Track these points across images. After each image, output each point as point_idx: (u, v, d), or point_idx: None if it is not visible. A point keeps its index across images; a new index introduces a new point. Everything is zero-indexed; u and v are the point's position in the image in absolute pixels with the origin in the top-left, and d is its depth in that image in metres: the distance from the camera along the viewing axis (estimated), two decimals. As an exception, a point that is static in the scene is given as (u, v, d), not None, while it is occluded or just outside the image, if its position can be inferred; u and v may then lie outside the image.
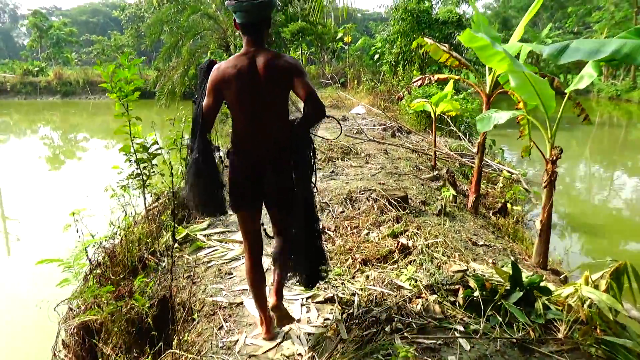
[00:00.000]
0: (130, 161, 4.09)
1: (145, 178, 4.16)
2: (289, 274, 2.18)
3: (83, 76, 28.85)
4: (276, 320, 2.27)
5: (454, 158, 7.41)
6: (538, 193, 6.32)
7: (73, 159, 13.36)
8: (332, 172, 5.49)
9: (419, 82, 5.11)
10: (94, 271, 3.27)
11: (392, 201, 4.13)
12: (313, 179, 2.07)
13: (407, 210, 4.12)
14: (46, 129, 19.85)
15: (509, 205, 5.44)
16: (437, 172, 5.69)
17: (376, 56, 15.89)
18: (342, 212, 4.06)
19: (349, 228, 3.73)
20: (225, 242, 3.73)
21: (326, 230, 3.68)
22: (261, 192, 2.09)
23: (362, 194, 4.46)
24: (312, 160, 2.07)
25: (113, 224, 3.89)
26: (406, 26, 14.68)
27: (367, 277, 2.84)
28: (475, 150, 4.80)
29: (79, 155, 14.05)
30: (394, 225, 3.67)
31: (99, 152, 14.13)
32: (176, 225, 3.83)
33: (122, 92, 3.94)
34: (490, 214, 5.43)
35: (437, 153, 7.00)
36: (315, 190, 2.11)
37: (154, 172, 4.20)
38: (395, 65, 16.10)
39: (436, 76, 4.96)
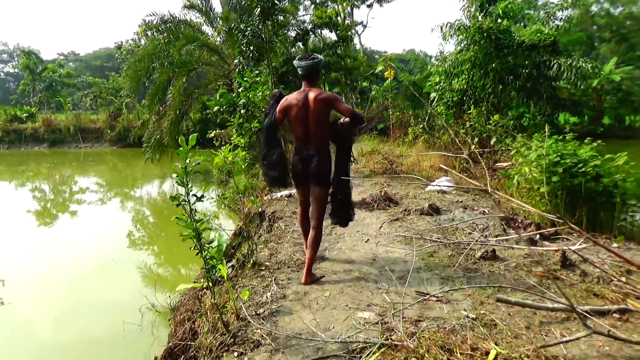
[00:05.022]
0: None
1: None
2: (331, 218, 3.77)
3: (74, 122, 25.35)
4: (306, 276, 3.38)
5: None
6: None
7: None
8: None
9: None
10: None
11: None
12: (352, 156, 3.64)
13: None
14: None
15: None
16: None
17: (432, 95, 11.53)
18: None
19: None
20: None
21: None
22: (308, 175, 3.44)
23: None
24: (350, 147, 3.62)
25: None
26: (480, 52, 10.39)
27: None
28: None
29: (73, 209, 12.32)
30: None
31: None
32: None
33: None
34: None
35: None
36: (353, 160, 3.74)
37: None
38: (456, 107, 11.67)
39: None
